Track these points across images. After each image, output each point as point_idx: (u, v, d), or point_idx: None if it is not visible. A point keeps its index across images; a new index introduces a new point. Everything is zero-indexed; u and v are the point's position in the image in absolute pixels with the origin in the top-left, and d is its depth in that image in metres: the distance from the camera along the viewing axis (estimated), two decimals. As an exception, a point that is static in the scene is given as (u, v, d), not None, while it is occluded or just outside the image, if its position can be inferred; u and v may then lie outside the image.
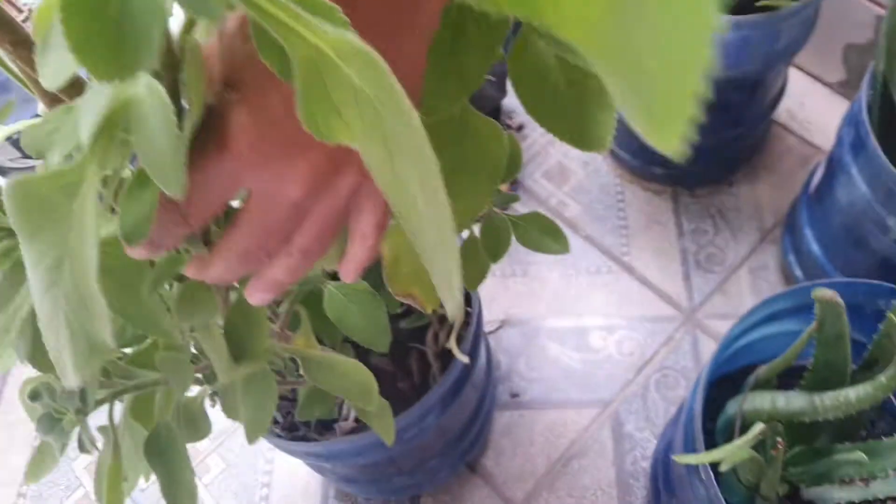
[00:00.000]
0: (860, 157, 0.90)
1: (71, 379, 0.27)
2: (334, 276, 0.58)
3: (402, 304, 0.88)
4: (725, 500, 0.66)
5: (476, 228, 0.65)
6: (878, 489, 0.87)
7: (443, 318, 0.86)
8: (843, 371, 0.62)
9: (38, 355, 0.43)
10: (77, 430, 0.49)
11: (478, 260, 0.64)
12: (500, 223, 0.63)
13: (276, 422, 0.81)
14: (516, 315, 1.23)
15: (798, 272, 1.14)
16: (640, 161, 1.30)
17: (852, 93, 1.36)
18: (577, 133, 0.48)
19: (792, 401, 0.63)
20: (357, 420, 0.81)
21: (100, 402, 0.49)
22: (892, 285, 0.72)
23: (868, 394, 0.56)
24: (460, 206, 0.44)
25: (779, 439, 0.57)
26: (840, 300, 0.56)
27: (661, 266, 1.25)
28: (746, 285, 1.22)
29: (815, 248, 1.08)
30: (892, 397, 0.74)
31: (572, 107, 0.45)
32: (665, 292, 1.23)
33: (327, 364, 0.47)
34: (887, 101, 0.90)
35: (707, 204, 1.31)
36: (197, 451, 1.14)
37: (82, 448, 0.47)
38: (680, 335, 1.18)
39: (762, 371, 0.68)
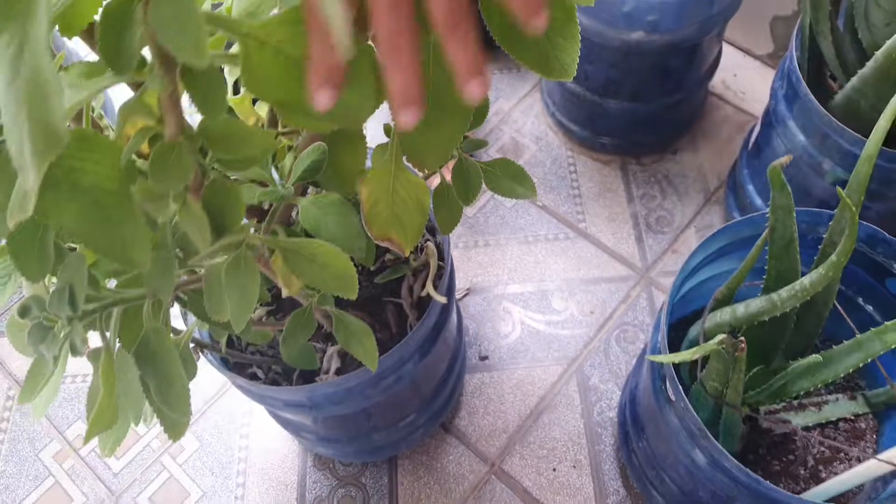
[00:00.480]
0: (794, 106, 0.97)
1: (31, 179, 0.28)
2: (303, 194, 0.61)
3: (376, 259, 0.91)
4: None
5: (447, 176, 0.68)
6: (830, 412, 0.93)
7: (416, 272, 0.89)
8: (795, 278, 0.67)
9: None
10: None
11: (451, 205, 0.67)
12: (471, 167, 0.66)
13: (257, 378, 0.83)
14: (481, 283, 1.26)
15: (742, 226, 1.21)
16: (588, 132, 1.36)
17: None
18: (544, 61, 0.52)
19: (751, 304, 0.68)
20: (338, 373, 0.84)
21: (90, 314, 0.51)
22: (831, 211, 0.78)
23: (821, 275, 0.61)
24: (434, 141, 0.47)
25: (742, 339, 0.61)
26: (788, 161, 0.60)
27: (614, 230, 1.31)
28: (695, 244, 1.28)
29: (757, 201, 1.15)
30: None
31: (538, 37, 0.49)
32: (620, 254, 1.28)
33: (307, 252, 0.49)
34: (815, 53, 0.97)
35: (654, 171, 1.38)
36: (171, 431, 1.14)
37: (74, 351, 0.49)
38: (636, 293, 1.24)
39: (719, 292, 0.73)
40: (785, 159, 0.58)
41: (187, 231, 0.45)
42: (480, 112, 0.62)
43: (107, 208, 0.38)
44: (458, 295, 1.25)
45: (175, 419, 0.51)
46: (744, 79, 1.48)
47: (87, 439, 0.47)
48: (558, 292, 1.25)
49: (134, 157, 0.40)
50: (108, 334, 0.51)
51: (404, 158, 0.50)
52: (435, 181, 0.67)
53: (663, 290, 1.24)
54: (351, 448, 1.01)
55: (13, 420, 1.18)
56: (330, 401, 0.80)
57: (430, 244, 0.88)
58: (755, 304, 0.67)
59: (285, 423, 0.99)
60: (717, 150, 1.39)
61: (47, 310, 0.48)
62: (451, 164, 0.64)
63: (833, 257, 0.60)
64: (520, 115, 1.47)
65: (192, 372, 0.65)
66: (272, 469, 1.10)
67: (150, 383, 0.51)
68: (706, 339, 0.71)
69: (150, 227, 0.43)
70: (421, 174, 0.60)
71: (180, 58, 0.30)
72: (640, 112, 1.28)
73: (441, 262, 0.89)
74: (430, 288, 0.80)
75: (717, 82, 1.47)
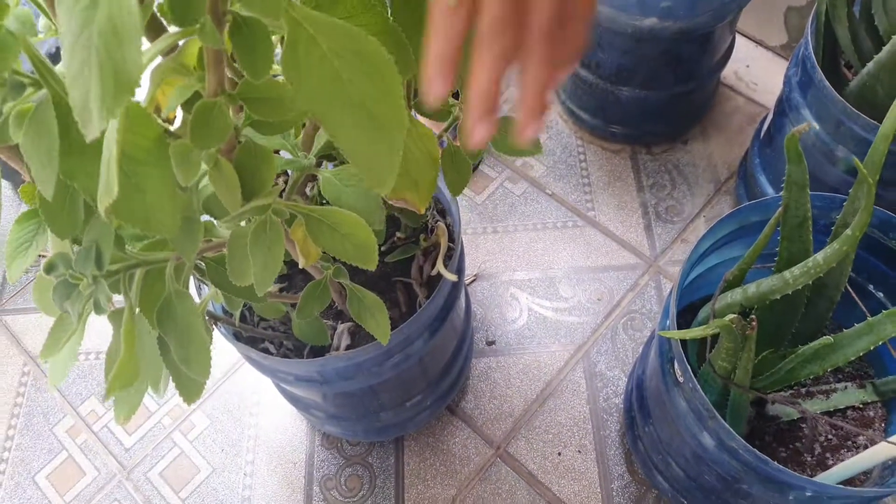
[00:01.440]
0: (808, 93, 0.97)
1: (95, 125, 0.27)
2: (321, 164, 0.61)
3: (386, 239, 0.92)
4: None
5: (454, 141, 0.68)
6: (838, 400, 0.93)
7: (426, 252, 0.89)
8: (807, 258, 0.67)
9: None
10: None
11: (459, 165, 0.67)
12: None
13: (269, 352, 0.83)
14: (489, 269, 1.27)
15: (752, 216, 1.21)
16: (599, 121, 1.36)
17: (794, 54, 1.44)
18: None
19: (762, 283, 0.68)
20: (348, 350, 0.84)
21: (114, 274, 0.51)
22: (844, 196, 0.78)
23: (836, 250, 0.61)
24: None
25: (752, 317, 0.61)
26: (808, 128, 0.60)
27: (623, 219, 1.31)
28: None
29: (769, 191, 1.15)
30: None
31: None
32: (629, 243, 1.29)
33: (331, 220, 0.50)
34: (830, 40, 0.97)
35: (664, 160, 1.38)
36: (181, 409, 1.15)
37: (98, 308, 0.49)
38: (644, 281, 1.24)
39: (730, 273, 0.74)
40: (804, 126, 0.58)
41: (218, 192, 0.45)
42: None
43: (135, 176, 0.38)
44: (466, 280, 1.25)
45: (192, 380, 0.52)
46: (756, 70, 1.47)
47: (107, 395, 0.48)
48: (566, 279, 1.25)
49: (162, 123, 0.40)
50: (131, 294, 0.52)
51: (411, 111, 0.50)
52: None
53: (672, 278, 1.24)
54: (359, 427, 1.01)
55: (28, 395, 1.19)
56: (340, 376, 0.81)
57: (441, 224, 0.88)
58: (767, 283, 0.67)
59: (295, 401, 1.00)
60: (728, 141, 1.39)
61: (73, 268, 0.49)
62: (456, 125, 0.65)
63: (848, 231, 0.60)
64: (531, 104, 1.47)
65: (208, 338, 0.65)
66: (281, 448, 1.11)
67: (170, 343, 0.51)
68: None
69: (178, 190, 0.44)
70: (430, 122, 0.60)
71: (253, 10, 0.30)
72: (651, 100, 1.28)
73: (451, 244, 0.89)
74: (440, 266, 0.80)
75: (729, 73, 1.47)
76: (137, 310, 0.54)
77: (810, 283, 0.73)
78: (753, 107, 1.43)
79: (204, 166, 0.43)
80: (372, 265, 0.52)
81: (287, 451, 1.11)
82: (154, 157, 0.38)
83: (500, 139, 0.69)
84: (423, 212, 0.66)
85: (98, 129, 0.28)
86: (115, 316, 0.54)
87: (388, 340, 0.66)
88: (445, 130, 0.69)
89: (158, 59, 0.40)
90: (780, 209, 0.68)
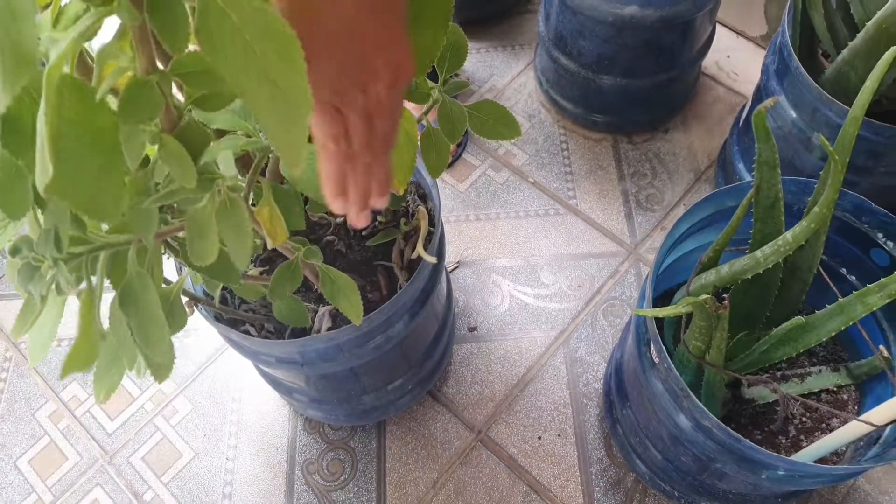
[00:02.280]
0: (785, 81, 0.98)
1: (2, 99, 0.29)
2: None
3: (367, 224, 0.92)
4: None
5: (433, 122, 0.69)
6: (813, 383, 0.95)
7: (407, 236, 0.90)
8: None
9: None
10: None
11: (438, 146, 0.68)
12: (455, 108, 0.67)
13: (249, 334, 0.84)
14: (471, 256, 1.28)
15: (731, 203, 1.23)
16: (581, 110, 1.37)
17: (774, 45, 1.46)
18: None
19: (735, 264, 0.69)
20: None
21: (76, 256, 0.52)
22: (816, 180, 0.79)
23: (804, 227, 0.63)
24: (421, 46, 0.49)
25: (725, 297, 0.63)
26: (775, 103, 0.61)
27: (604, 207, 1.33)
28: (684, 221, 1.30)
29: (746, 178, 1.16)
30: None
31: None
32: (609, 230, 1.30)
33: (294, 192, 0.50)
34: (806, 30, 0.99)
35: (645, 150, 1.39)
36: (163, 394, 1.16)
37: (59, 291, 0.50)
38: (624, 268, 1.25)
39: (705, 255, 0.75)
40: (770, 101, 0.59)
41: (171, 170, 0.45)
42: (460, 54, 0.63)
43: (74, 157, 0.38)
44: (448, 267, 1.26)
45: (159, 362, 0.53)
46: (737, 60, 1.49)
47: (62, 376, 0.48)
48: (547, 266, 1.26)
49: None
50: (93, 278, 0.52)
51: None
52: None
53: (651, 266, 1.26)
54: (341, 410, 1.02)
55: (10, 380, 1.18)
56: (321, 357, 0.82)
57: (422, 208, 0.89)
58: (739, 263, 0.69)
59: (277, 385, 1.01)
60: (708, 130, 1.40)
61: (35, 251, 0.49)
62: (435, 109, 0.65)
63: (816, 207, 0.62)
64: (513, 93, 1.48)
65: (180, 323, 0.65)
66: (263, 432, 1.12)
67: (132, 325, 0.52)
68: (691, 302, 0.73)
69: (129, 173, 0.43)
70: (409, 105, 0.61)
71: None
72: (632, 89, 1.29)
73: (431, 228, 0.90)
74: (420, 249, 0.81)
75: (709, 63, 1.48)
76: (110, 294, 0.55)
77: (783, 265, 0.74)
78: (734, 97, 1.45)
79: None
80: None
81: (269, 436, 1.11)
82: (93, 138, 0.38)
83: (480, 123, 0.70)
84: (401, 192, 0.66)
85: (3, 104, 0.29)
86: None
87: (360, 321, 0.66)
88: (425, 114, 0.69)
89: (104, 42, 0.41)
90: (752, 190, 0.69)
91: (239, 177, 0.52)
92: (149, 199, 0.47)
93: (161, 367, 0.58)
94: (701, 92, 1.45)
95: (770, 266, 0.66)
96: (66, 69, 0.48)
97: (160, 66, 0.40)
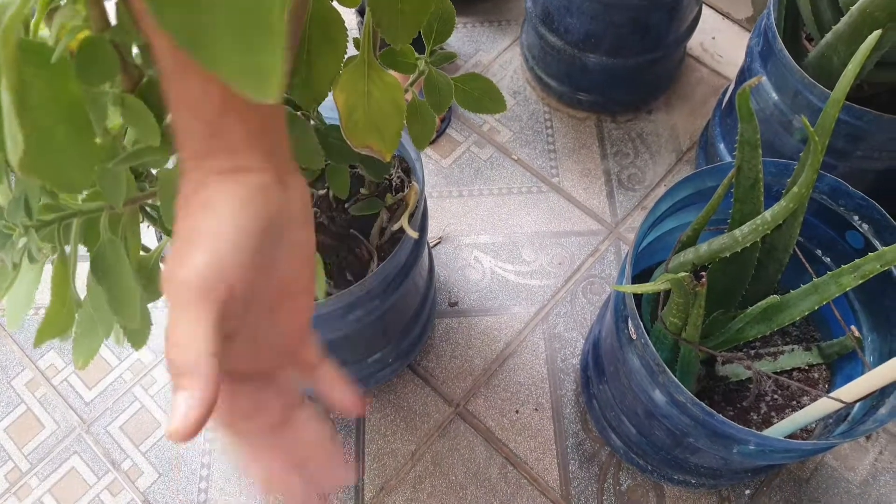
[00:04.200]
0: (769, 63, 0.99)
1: None
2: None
3: (351, 194, 0.92)
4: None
5: (419, 93, 0.69)
6: (785, 362, 0.97)
7: (391, 209, 0.90)
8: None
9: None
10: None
11: (424, 118, 0.68)
12: (441, 79, 0.67)
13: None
14: (453, 232, 1.28)
15: (711, 184, 1.24)
16: (566, 88, 1.37)
17: (758, 28, 1.47)
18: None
19: (713, 242, 0.70)
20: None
21: (48, 224, 0.51)
22: (795, 162, 0.80)
23: (782, 207, 0.64)
24: (408, 8, 0.49)
25: (703, 275, 0.64)
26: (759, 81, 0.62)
27: (586, 185, 1.33)
28: (665, 201, 1.31)
29: (727, 159, 1.17)
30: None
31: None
32: (591, 209, 1.31)
33: None
34: (792, 12, 0.99)
35: (628, 129, 1.40)
36: (142, 363, 1.15)
37: (31, 259, 0.50)
38: (605, 247, 1.27)
39: (684, 234, 0.76)
40: (754, 80, 0.59)
41: (136, 132, 0.45)
42: (447, 24, 0.63)
43: (44, 128, 0.37)
44: (430, 242, 1.26)
45: (134, 328, 0.53)
46: (722, 42, 1.50)
47: (35, 343, 0.48)
48: (529, 244, 1.27)
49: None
50: (66, 246, 0.52)
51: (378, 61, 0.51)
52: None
53: (631, 244, 1.27)
54: (320, 382, 1.02)
55: (-19, 348, 1.18)
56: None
57: (415, 184, 0.89)
58: (717, 242, 0.70)
59: (256, 356, 1.01)
60: (691, 112, 1.41)
61: (5, 218, 0.49)
62: (421, 80, 0.65)
63: (795, 188, 0.63)
64: (499, 69, 1.47)
65: (158, 291, 0.65)
66: (241, 403, 1.12)
67: (104, 292, 0.51)
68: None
69: (97, 138, 0.43)
70: (396, 75, 0.61)
71: None
72: (618, 68, 1.29)
73: (416, 206, 0.90)
74: (404, 222, 0.81)
75: (694, 44, 1.48)
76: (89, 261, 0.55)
77: (760, 244, 0.75)
78: (717, 79, 1.45)
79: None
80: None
81: (248, 407, 1.12)
82: (59, 105, 0.38)
83: (465, 96, 0.69)
84: (388, 160, 0.66)
85: None
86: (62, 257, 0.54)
87: (323, 294, 0.66)
88: (411, 84, 0.69)
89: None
90: (733, 170, 0.70)
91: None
92: (113, 161, 0.46)
93: (137, 335, 0.58)
94: (685, 73, 1.46)
95: (748, 245, 0.67)
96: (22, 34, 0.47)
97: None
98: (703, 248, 0.72)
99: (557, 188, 1.33)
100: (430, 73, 0.65)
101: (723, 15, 1.52)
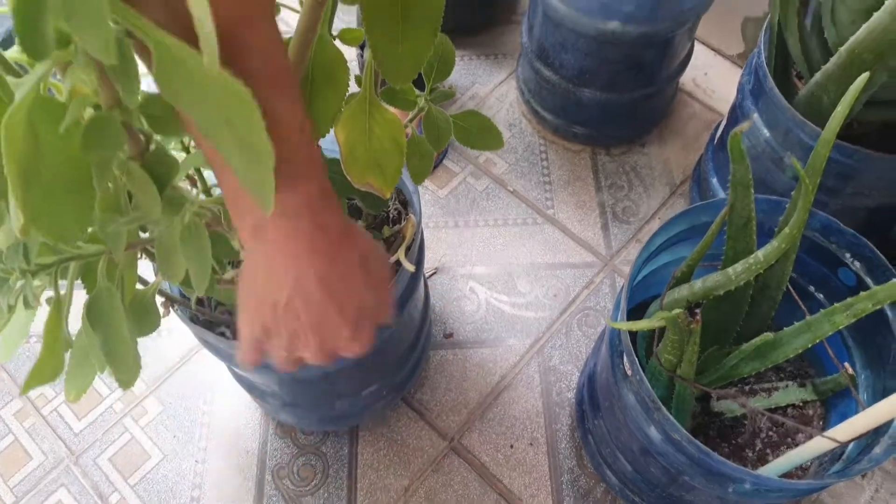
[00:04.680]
0: (760, 101, 1.00)
1: None
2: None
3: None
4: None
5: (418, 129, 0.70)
6: (780, 398, 0.97)
7: (388, 241, 0.90)
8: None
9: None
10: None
11: (422, 153, 0.69)
12: (440, 116, 0.68)
13: (225, 336, 0.83)
14: (449, 263, 1.28)
15: (705, 219, 1.25)
16: (561, 121, 1.39)
17: (750, 64, 1.49)
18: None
19: (707, 279, 0.71)
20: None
21: (46, 267, 0.52)
22: (787, 199, 0.81)
23: (775, 247, 0.64)
24: (409, 50, 0.49)
25: (697, 312, 0.64)
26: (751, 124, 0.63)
27: (581, 218, 1.34)
28: (659, 234, 1.32)
29: (721, 193, 1.18)
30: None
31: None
32: (586, 241, 1.31)
33: None
34: (782, 51, 1.01)
35: (622, 162, 1.41)
36: (133, 394, 1.14)
37: (27, 304, 0.50)
38: (600, 279, 1.27)
39: (678, 270, 0.76)
40: (745, 125, 0.60)
41: (138, 195, 0.46)
42: (447, 64, 0.64)
43: (50, 191, 0.38)
44: (426, 273, 1.26)
45: (122, 378, 0.53)
46: (714, 78, 1.52)
47: (22, 391, 0.48)
48: (524, 275, 1.27)
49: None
50: (61, 290, 0.52)
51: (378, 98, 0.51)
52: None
53: (626, 278, 1.27)
54: (314, 415, 1.02)
55: (-29, 377, 1.17)
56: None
57: (412, 217, 0.89)
58: (711, 279, 0.70)
59: (250, 387, 1.00)
60: (684, 146, 1.43)
61: (3, 262, 0.49)
62: (420, 116, 0.66)
63: (787, 229, 0.63)
64: (495, 102, 1.49)
65: (152, 325, 0.65)
66: (234, 435, 1.11)
67: (97, 338, 0.52)
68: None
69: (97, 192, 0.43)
70: (395, 111, 0.61)
71: (91, 54, 0.30)
72: (612, 103, 1.30)
73: (415, 243, 0.90)
74: (401, 255, 0.81)
75: (687, 80, 1.50)
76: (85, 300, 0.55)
77: (754, 282, 0.75)
78: (710, 114, 1.47)
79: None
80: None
81: (240, 440, 1.11)
82: (65, 164, 0.38)
83: (464, 133, 0.70)
84: (388, 196, 0.67)
85: None
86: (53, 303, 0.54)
87: None
88: (410, 121, 0.70)
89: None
90: (725, 208, 0.71)
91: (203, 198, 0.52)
92: (116, 223, 0.47)
93: (124, 382, 0.57)
94: (678, 108, 1.47)
95: (741, 283, 0.68)
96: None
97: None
98: (698, 284, 0.72)
99: (552, 220, 1.34)
100: (429, 110, 0.66)
101: (715, 51, 1.55)
